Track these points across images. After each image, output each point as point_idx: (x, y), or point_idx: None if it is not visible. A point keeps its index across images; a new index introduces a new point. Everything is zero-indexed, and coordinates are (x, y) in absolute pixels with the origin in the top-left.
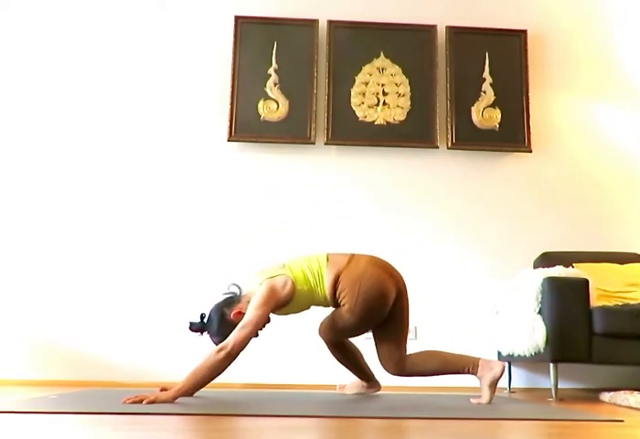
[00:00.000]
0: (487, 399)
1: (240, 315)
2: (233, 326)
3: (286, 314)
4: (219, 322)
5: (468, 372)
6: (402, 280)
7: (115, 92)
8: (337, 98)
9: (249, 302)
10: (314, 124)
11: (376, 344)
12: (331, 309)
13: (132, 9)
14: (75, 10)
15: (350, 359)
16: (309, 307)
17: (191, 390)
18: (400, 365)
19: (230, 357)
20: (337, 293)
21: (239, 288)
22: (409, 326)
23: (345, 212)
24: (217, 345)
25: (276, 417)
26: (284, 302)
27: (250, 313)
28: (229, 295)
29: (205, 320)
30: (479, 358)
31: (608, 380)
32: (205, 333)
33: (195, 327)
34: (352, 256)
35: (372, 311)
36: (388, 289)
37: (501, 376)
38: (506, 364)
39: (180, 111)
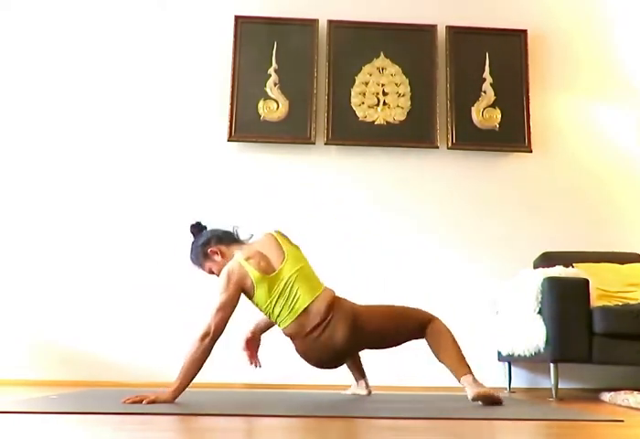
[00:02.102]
0: (473, 392)
1: (214, 254)
2: (202, 255)
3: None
4: (199, 245)
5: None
6: (357, 319)
7: (115, 92)
8: (337, 98)
9: (232, 254)
10: (314, 124)
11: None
12: None
13: (132, 9)
14: (75, 10)
15: (353, 357)
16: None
17: (188, 382)
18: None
19: (215, 340)
20: (289, 335)
21: (238, 236)
22: (389, 320)
23: (345, 212)
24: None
25: (276, 417)
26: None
27: (219, 296)
28: (230, 231)
29: (202, 232)
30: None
31: (608, 380)
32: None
33: (194, 230)
34: (329, 317)
35: (325, 363)
36: (343, 352)
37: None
38: (507, 364)
39: (180, 111)
